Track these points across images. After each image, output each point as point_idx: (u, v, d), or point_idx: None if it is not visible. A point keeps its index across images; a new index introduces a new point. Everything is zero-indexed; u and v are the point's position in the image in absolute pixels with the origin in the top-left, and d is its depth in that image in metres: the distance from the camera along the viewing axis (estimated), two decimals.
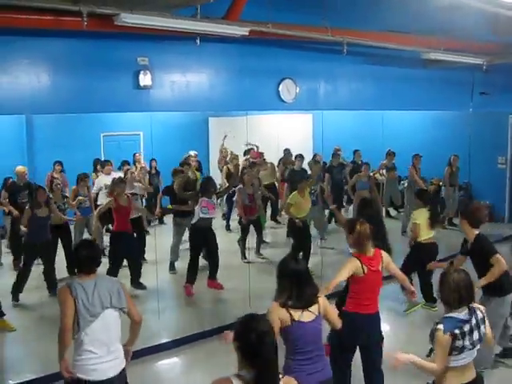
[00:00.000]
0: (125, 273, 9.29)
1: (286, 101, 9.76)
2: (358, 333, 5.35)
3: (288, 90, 9.73)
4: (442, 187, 14.16)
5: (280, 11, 8.44)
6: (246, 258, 10.64)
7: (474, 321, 4.13)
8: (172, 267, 10.34)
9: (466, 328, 4.07)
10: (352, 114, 15.18)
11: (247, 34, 7.97)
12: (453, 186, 13.89)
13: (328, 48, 9.76)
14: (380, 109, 12.50)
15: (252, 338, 3.12)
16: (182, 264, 10.06)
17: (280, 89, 9.66)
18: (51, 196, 9.44)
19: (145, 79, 8.14)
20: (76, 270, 4.46)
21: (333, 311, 4.58)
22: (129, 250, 9.13)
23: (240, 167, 13.44)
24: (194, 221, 9.03)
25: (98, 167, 12.38)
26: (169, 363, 7.06)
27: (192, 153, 13.27)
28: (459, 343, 4.05)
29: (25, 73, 7.34)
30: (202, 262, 9.69)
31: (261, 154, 13.98)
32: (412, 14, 9.14)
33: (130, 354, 4.63)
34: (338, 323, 4.58)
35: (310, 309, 4.23)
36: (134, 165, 13.05)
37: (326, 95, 10.46)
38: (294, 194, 10.23)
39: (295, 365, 4.20)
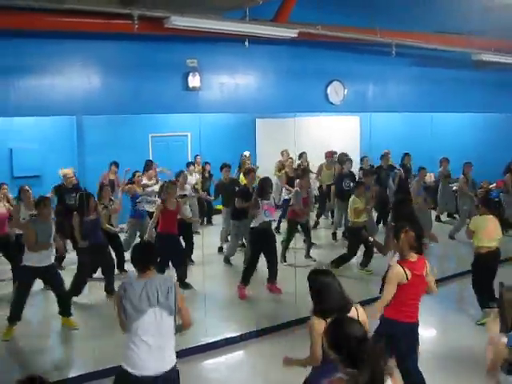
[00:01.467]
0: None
1: (334, 103, 9.74)
2: (397, 341, 5.25)
3: (336, 91, 9.72)
4: (500, 194, 13.65)
5: (328, 13, 8.43)
6: (285, 261, 10.47)
7: None
8: (227, 260, 10.64)
9: None
10: (400, 115, 15.01)
11: (296, 36, 7.99)
12: None
13: (377, 50, 9.71)
14: (430, 111, 12.34)
15: (352, 345, 2.95)
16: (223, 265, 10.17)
17: (328, 91, 9.65)
18: (100, 199, 9.37)
19: (194, 81, 8.24)
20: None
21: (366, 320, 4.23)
22: (173, 252, 9.13)
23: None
24: (255, 224, 8.91)
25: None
26: (214, 363, 7.07)
27: (246, 153, 13.28)
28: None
29: (77, 74, 7.52)
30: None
31: (332, 154, 13.86)
32: (462, 15, 9.00)
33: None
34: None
35: None
36: (194, 166, 13.18)
37: (374, 97, 10.40)
38: (355, 199, 9.87)
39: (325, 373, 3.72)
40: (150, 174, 11.46)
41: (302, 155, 13.88)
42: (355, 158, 14.27)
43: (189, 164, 13.15)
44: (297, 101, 9.38)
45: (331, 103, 9.70)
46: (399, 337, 5.22)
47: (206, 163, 13.61)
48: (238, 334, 7.58)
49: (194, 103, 8.37)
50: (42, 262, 7.52)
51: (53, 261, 7.93)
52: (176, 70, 8.15)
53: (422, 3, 8.89)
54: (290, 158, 13.56)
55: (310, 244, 10.95)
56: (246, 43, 8.06)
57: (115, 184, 11.89)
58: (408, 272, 5.14)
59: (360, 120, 16.85)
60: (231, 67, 8.72)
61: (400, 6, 8.88)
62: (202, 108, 8.59)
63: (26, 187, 9.35)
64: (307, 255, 10.79)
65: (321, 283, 4.21)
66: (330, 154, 13.82)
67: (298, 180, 11.02)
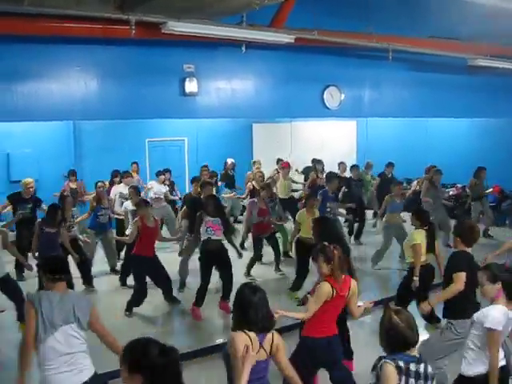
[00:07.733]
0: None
1: (331, 108, 9.76)
2: (319, 356, 5.16)
3: (332, 96, 9.74)
4: None
5: (325, 18, 8.46)
6: (249, 275, 9.69)
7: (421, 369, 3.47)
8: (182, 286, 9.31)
9: (413, 367, 3.42)
10: (396, 120, 15.04)
11: (292, 41, 8.02)
12: None
13: (373, 55, 9.74)
14: (425, 116, 12.40)
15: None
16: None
17: (325, 96, 9.66)
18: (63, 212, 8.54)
19: (191, 86, 8.25)
20: (44, 281, 4.35)
21: (283, 354, 3.99)
22: (153, 273, 8.37)
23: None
24: (202, 240, 8.14)
25: (116, 179, 11.68)
26: None
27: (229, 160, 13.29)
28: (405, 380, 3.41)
29: (75, 80, 7.54)
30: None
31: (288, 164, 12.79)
32: (458, 20, 9.06)
33: None
34: (287, 371, 4.03)
35: (264, 345, 3.84)
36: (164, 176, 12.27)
37: (370, 102, 10.42)
38: (301, 213, 9.00)
39: None
40: (127, 181, 11.01)
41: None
42: (352, 162, 14.24)
43: (159, 173, 12.12)
44: (293, 106, 9.41)
45: (328, 108, 9.72)
46: (319, 352, 5.12)
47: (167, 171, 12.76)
48: (191, 349, 7.00)
49: (191, 108, 8.39)
50: None
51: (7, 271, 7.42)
52: (173, 76, 8.17)
53: (418, 9, 8.94)
54: (260, 172, 12.43)
55: (278, 257, 10.18)
56: (243, 48, 8.10)
57: (78, 193, 11.80)
58: (334, 291, 4.97)
59: (357, 124, 16.89)
60: (228, 72, 8.74)
61: (396, 11, 8.92)
62: (198, 113, 8.61)
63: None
64: (277, 268, 10.09)
65: (245, 299, 3.93)
66: (286, 165, 12.67)
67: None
